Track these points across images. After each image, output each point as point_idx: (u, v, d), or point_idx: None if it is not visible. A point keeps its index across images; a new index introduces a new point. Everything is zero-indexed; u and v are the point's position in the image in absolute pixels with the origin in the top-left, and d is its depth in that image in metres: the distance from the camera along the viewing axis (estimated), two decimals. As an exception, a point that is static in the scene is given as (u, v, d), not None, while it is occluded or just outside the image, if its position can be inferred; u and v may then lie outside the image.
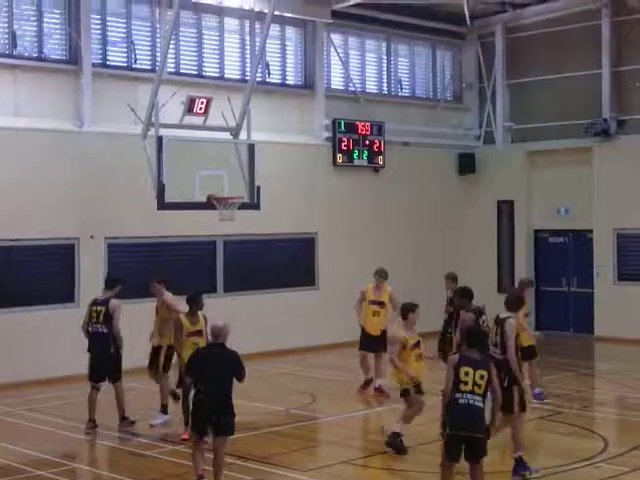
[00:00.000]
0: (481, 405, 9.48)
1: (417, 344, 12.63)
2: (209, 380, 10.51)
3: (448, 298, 16.28)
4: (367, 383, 16.89)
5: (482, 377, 9.48)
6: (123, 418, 14.02)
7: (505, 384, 11.25)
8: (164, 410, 14.37)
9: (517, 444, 11.42)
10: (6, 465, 12.13)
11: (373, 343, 16.67)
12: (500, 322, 11.53)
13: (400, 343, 12.46)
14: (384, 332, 16.59)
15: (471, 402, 9.38)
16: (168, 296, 14.59)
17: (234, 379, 10.58)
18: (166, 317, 14.43)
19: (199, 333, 13.20)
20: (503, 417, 11.39)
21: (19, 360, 17.19)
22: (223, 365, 10.57)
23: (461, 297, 13.77)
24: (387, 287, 16.86)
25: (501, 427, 11.43)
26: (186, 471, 11.44)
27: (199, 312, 13.46)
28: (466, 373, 9.46)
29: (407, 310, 12.77)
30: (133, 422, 14.02)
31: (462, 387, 9.44)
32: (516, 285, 19.45)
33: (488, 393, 9.65)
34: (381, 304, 16.73)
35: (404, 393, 12.58)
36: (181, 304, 14.03)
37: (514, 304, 11.86)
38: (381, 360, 16.58)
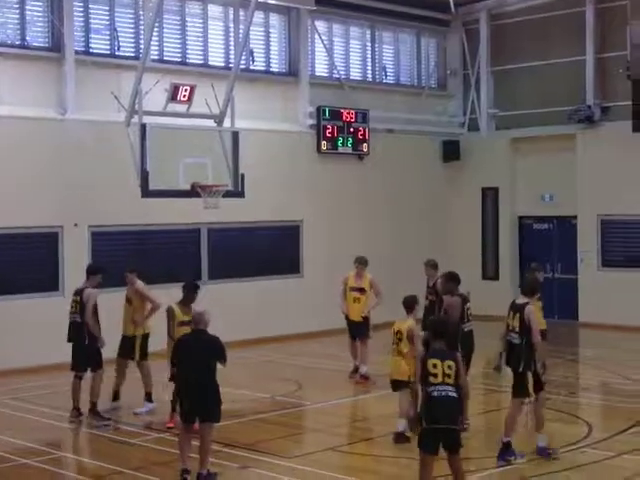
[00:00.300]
0: (455, 395, 9.38)
1: None
2: (194, 367, 10.58)
3: (428, 286, 16.39)
4: (357, 369, 17.04)
5: (450, 367, 9.39)
6: (92, 409, 13.86)
7: (520, 369, 11.39)
8: (148, 398, 14.35)
9: (508, 429, 11.47)
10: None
11: (355, 329, 16.96)
12: (519, 307, 11.55)
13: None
14: (366, 318, 16.92)
15: (444, 394, 9.27)
16: (140, 285, 14.58)
17: (217, 364, 10.65)
18: (139, 306, 14.46)
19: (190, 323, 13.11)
20: (514, 402, 11.62)
21: (3, 349, 17.09)
22: (206, 351, 10.67)
23: (448, 282, 13.60)
24: (367, 274, 17.07)
25: (538, 412, 11.66)
26: (172, 459, 11.44)
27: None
28: (434, 365, 9.35)
29: (413, 302, 12.81)
30: (107, 419, 13.84)
31: (432, 380, 9.32)
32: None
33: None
34: (362, 291, 16.96)
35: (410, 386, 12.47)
36: (153, 293, 14.28)
37: (531, 289, 11.92)
38: (365, 346, 16.80)
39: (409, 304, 12.75)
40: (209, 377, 10.58)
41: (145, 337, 14.47)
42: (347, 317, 17.08)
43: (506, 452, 11.36)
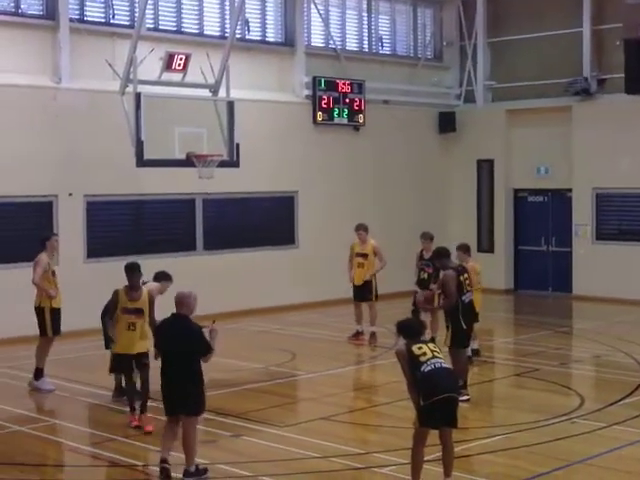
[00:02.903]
0: (448, 366, 9.30)
1: None
2: (172, 357, 9.77)
3: (423, 258, 16.52)
4: (357, 334, 17.75)
5: (435, 346, 9.26)
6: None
7: None
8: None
9: None
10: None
11: (358, 292, 17.78)
12: None
13: None
14: (367, 282, 17.60)
15: (437, 365, 9.00)
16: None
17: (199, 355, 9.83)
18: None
19: (137, 312, 11.90)
20: None
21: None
22: (185, 341, 9.74)
23: (439, 259, 13.54)
24: (371, 240, 17.78)
25: None
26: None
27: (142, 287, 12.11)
28: (419, 348, 9.09)
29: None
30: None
31: (422, 358, 9.00)
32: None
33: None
34: (365, 256, 17.67)
35: None
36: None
37: None
38: (372, 309, 17.64)
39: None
40: (189, 368, 9.74)
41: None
42: (353, 282, 17.76)
43: None
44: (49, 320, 13.94)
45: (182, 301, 9.90)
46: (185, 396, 9.77)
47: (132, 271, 11.92)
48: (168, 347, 9.84)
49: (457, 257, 14.77)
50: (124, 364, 12.00)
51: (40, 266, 13.87)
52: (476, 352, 15.57)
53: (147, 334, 11.86)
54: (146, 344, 11.78)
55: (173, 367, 9.76)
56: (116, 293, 11.96)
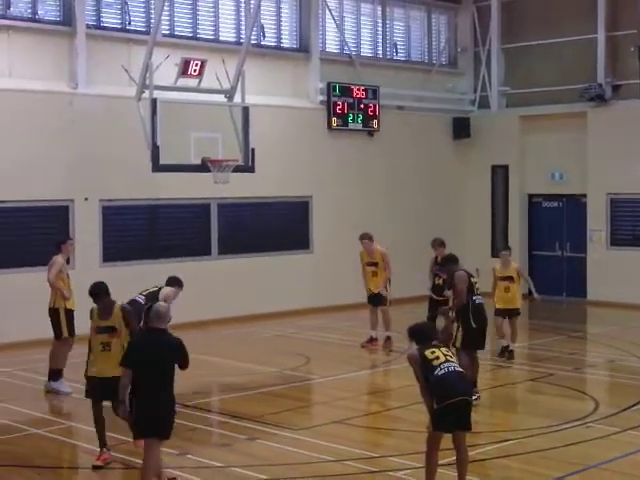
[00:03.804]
0: (461, 370, 9.35)
1: None
2: (148, 374, 9.01)
3: (438, 263, 16.59)
4: (371, 340, 17.73)
5: (448, 350, 9.34)
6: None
7: None
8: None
9: None
10: (4, 425, 12.29)
11: (373, 299, 17.81)
12: None
13: None
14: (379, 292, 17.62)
15: (451, 368, 9.08)
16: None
17: (175, 370, 9.16)
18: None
19: (110, 330, 10.69)
20: None
21: (14, 321, 17.22)
22: (165, 355, 9.08)
23: (449, 264, 13.85)
24: (379, 247, 17.72)
25: None
26: (181, 430, 11.52)
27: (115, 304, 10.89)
28: (432, 352, 9.15)
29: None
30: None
31: (435, 362, 9.07)
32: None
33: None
34: (375, 264, 17.66)
35: None
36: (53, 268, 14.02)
37: None
38: (386, 314, 17.66)
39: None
40: (165, 387, 9.05)
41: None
42: (368, 290, 17.83)
43: None
44: (64, 321, 14.07)
45: (163, 316, 9.27)
46: (161, 418, 9.07)
47: (96, 296, 10.71)
48: (151, 364, 9.02)
49: (501, 260, 16.80)
50: (99, 390, 10.58)
51: (55, 267, 14.07)
52: (511, 352, 16.45)
53: None
54: None
55: (155, 385, 9.00)
56: (91, 312, 10.84)
